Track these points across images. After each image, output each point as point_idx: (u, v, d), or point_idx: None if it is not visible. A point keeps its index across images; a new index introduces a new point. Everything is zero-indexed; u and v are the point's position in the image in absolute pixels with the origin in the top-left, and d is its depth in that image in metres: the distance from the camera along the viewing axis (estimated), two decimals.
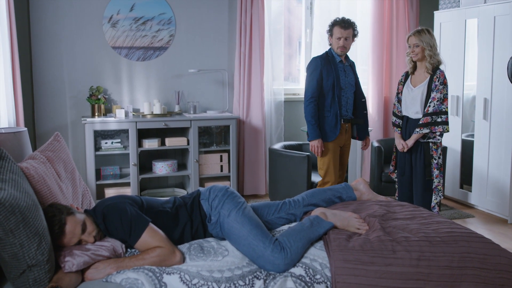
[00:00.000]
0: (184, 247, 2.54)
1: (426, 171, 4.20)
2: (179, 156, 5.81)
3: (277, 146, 5.35)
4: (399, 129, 4.42)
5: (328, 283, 2.31)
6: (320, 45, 6.30)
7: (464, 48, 5.52)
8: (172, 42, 5.72)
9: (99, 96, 5.33)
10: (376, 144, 5.53)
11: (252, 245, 2.43)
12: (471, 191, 5.55)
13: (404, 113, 4.38)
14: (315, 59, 4.38)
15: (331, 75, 4.29)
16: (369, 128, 4.82)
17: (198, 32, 5.81)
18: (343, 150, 4.56)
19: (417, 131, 4.17)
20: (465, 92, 5.60)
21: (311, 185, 4.81)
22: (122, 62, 5.60)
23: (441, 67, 4.23)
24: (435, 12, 5.92)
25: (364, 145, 4.68)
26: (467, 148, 5.60)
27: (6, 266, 2.12)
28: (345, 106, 4.40)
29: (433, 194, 4.20)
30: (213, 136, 5.80)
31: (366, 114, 4.62)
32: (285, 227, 2.82)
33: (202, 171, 5.59)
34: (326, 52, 4.40)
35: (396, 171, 4.51)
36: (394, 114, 4.48)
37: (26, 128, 3.76)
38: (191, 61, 5.80)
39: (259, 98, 5.86)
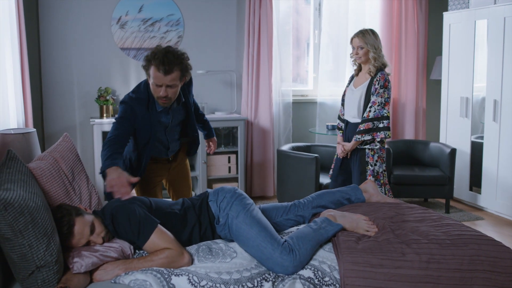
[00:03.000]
0: (192, 248, 2.53)
1: (361, 178, 4.07)
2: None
3: (285, 147, 5.34)
4: (341, 132, 4.30)
5: (337, 285, 2.30)
6: (328, 47, 6.29)
7: (473, 49, 5.48)
8: (181, 43, 5.73)
9: (108, 97, 5.34)
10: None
11: (260, 247, 2.42)
12: (480, 193, 5.51)
13: (345, 117, 4.26)
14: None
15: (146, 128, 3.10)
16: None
17: (207, 33, 5.81)
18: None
19: (358, 138, 4.01)
20: (474, 94, 5.56)
21: (320, 186, 4.80)
22: (130, 63, 5.61)
23: (387, 69, 4.08)
24: (444, 13, 5.88)
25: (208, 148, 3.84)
26: (477, 150, 5.56)
27: (15, 267, 2.12)
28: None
29: None
30: (221, 137, 5.79)
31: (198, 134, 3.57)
32: (294, 229, 2.81)
33: (210, 172, 5.58)
34: (146, 93, 3.05)
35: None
36: (338, 117, 4.38)
37: (35, 129, 3.77)
38: (199, 62, 5.80)
39: (267, 99, 5.85)
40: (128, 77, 5.60)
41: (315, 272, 2.35)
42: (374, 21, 6.28)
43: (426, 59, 6.52)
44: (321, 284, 2.30)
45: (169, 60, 2.83)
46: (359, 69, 4.19)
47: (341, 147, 4.18)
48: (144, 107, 3.04)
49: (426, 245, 2.42)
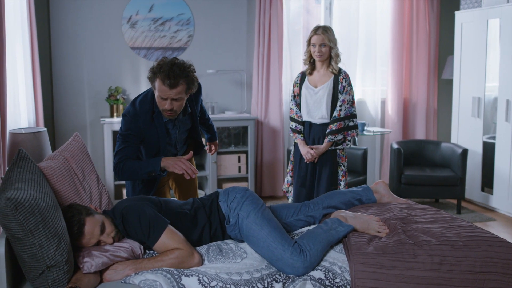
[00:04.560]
0: (202, 249, 2.53)
1: (332, 179, 3.90)
2: (197, 157, 5.80)
3: None
4: (302, 135, 4.00)
5: (348, 287, 2.29)
6: (338, 46, 6.23)
7: (485, 48, 5.43)
8: (191, 43, 5.73)
9: (118, 97, 5.35)
10: (395, 145, 5.48)
11: (271, 248, 2.41)
12: (492, 194, 5.47)
13: (305, 118, 3.98)
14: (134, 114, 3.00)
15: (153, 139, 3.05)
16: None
17: (217, 32, 5.81)
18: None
19: (332, 139, 3.83)
20: (486, 94, 5.51)
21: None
22: (140, 62, 5.61)
23: (339, 65, 3.96)
24: (456, 12, 5.84)
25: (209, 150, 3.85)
26: (489, 150, 5.52)
27: (25, 267, 2.12)
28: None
29: None
30: (231, 137, 5.79)
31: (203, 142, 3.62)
32: (304, 229, 2.80)
33: (220, 172, 5.58)
34: (152, 104, 2.98)
35: (292, 183, 4.16)
36: (293, 120, 4.04)
37: (45, 128, 3.78)
38: (210, 62, 5.79)
39: (278, 99, 5.84)
40: (138, 77, 5.61)
41: (326, 273, 2.33)
42: (385, 21, 6.25)
43: (438, 58, 6.47)
44: (332, 285, 2.28)
45: (175, 73, 2.74)
46: (312, 68, 4.00)
47: (312, 151, 3.91)
48: (148, 119, 2.97)
49: (438, 246, 2.40)
